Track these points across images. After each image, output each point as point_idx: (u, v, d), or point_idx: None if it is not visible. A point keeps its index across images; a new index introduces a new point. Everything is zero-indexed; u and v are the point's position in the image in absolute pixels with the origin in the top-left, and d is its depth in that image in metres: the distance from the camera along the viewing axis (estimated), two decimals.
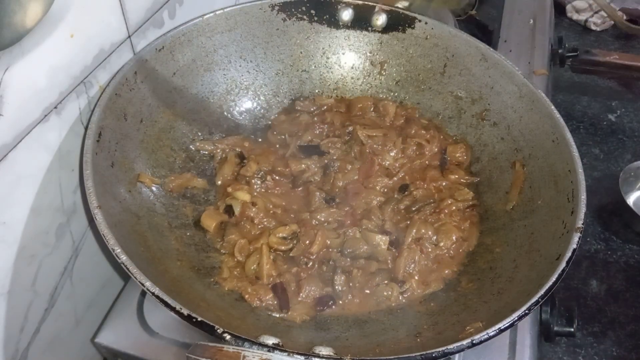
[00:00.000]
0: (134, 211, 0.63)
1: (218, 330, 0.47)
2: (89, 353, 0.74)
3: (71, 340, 0.71)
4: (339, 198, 0.74)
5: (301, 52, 0.85)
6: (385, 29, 0.85)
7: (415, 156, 0.79)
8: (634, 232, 1.00)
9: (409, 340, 0.58)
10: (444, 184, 0.77)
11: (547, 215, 0.66)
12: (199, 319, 0.48)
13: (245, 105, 0.83)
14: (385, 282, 0.66)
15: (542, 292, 0.53)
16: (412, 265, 0.67)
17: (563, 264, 0.56)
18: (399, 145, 0.79)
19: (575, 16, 1.48)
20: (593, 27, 1.45)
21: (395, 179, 0.77)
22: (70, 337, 0.71)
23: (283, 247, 0.68)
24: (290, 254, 0.68)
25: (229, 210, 0.70)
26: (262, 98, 0.85)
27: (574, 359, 0.85)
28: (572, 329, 0.71)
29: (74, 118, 0.62)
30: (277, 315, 0.63)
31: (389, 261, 0.68)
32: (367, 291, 0.66)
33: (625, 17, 1.31)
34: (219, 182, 0.75)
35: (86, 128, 0.62)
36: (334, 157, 0.78)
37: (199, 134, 0.78)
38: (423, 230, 0.70)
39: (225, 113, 0.81)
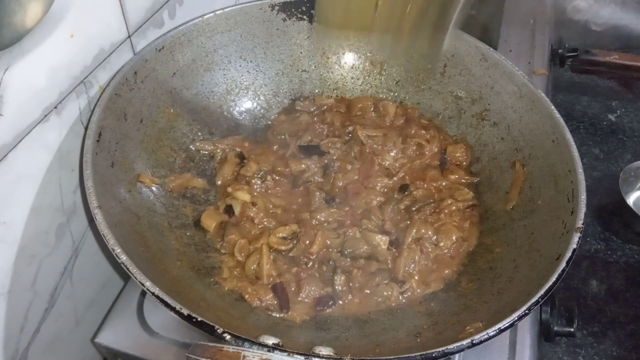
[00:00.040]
0: (134, 211, 0.63)
1: (218, 330, 0.47)
2: (89, 353, 0.74)
3: (71, 340, 0.71)
4: (339, 198, 0.74)
5: (301, 52, 0.85)
6: None
7: (415, 156, 0.79)
8: (634, 232, 1.00)
9: (409, 340, 0.58)
10: (444, 184, 0.77)
11: (547, 215, 0.66)
12: (199, 319, 0.48)
13: (245, 105, 0.83)
14: (385, 282, 0.66)
15: (542, 292, 0.53)
16: (412, 265, 0.67)
17: (563, 264, 0.56)
18: (399, 145, 0.79)
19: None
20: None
21: (395, 179, 0.77)
22: (70, 337, 0.71)
23: (283, 247, 0.68)
24: (290, 254, 0.68)
25: (229, 210, 0.70)
26: (262, 98, 0.85)
27: (573, 359, 0.85)
28: (572, 329, 0.71)
29: (74, 118, 0.62)
30: (277, 315, 0.63)
31: (389, 261, 0.68)
32: (367, 291, 0.66)
33: None
34: (219, 182, 0.75)
35: (86, 128, 0.62)
36: (334, 157, 0.78)
37: (199, 134, 0.78)
38: (423, 230, 0.70)
39: (225, 113, 0.81)
